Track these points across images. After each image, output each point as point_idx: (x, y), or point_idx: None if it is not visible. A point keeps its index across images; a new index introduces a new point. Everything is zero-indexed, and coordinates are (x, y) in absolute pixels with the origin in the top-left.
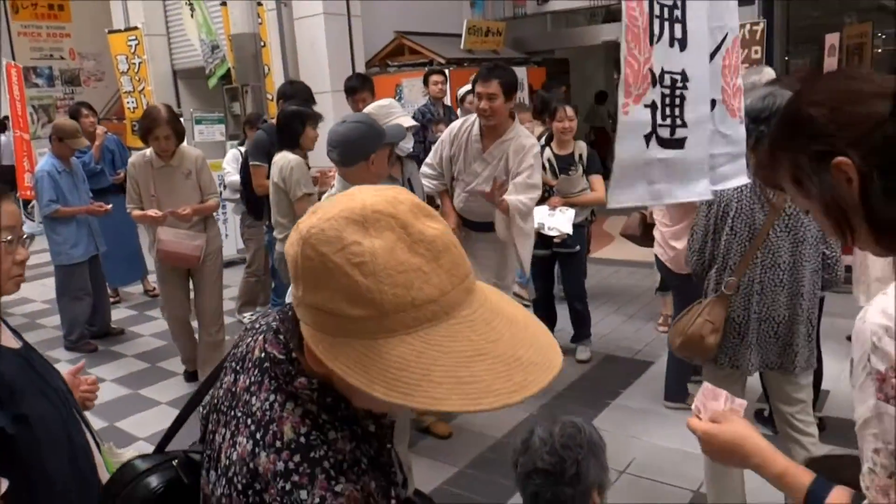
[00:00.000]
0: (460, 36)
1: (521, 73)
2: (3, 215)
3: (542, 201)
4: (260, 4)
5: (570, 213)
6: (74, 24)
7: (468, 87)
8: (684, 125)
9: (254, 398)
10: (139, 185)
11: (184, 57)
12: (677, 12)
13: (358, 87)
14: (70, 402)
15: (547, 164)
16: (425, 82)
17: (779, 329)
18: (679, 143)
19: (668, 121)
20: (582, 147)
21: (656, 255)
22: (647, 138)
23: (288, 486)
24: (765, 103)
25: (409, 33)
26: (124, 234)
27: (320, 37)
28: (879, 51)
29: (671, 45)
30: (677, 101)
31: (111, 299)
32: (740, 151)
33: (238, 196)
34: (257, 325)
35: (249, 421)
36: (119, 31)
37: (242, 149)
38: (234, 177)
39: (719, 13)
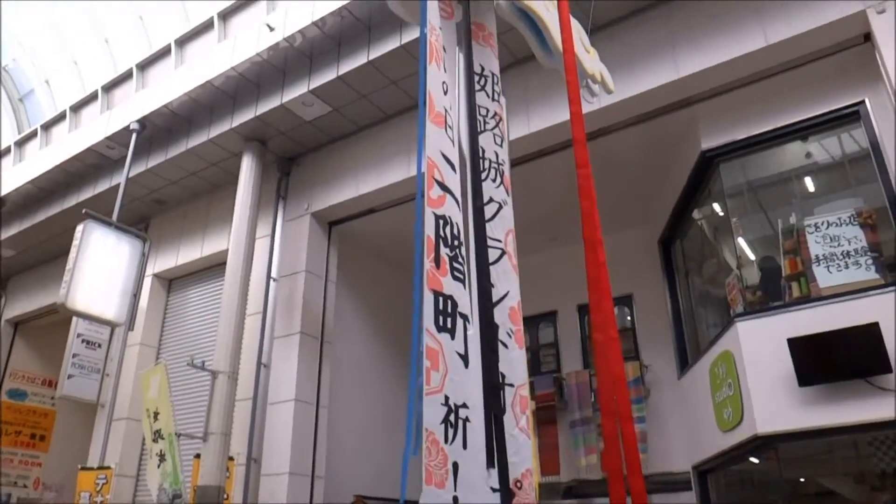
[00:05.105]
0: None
1: None
2: None
3: None
4: (231, 459)
5: None
6: (49, 455)
7: None
8: None
9: None
10: None
11: (146, 499)
12: None
13: None
14: None
15: None
16: None
17: None
18: None
19: None
20: None
21: None
22: None
23: None
24: None
25: (368, 497)
26: None
27: (282, 495)
28: None
29: None
30: None
31: None
32: None
33: None
34: None
35: None
36: (91, 468)
37: None
38: None
39: None
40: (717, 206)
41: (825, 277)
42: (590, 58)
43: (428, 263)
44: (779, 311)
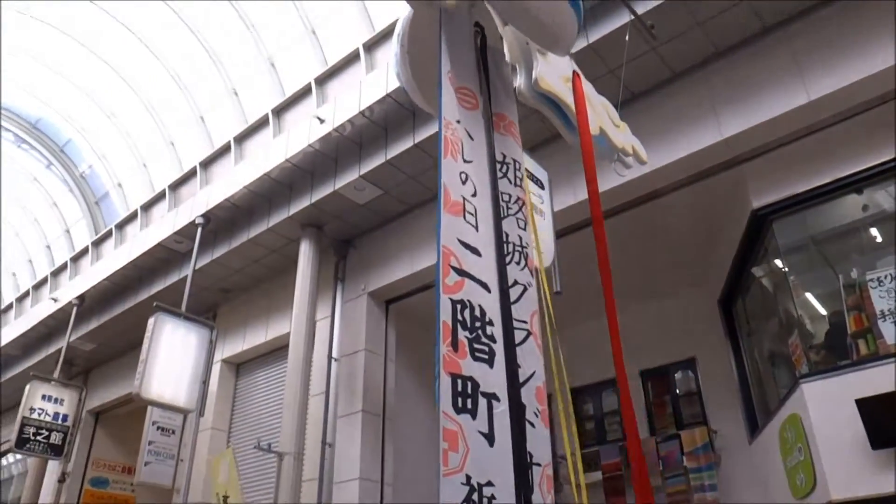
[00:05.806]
0: None
1: None
2: None
3: None
4: None
5: None
6: None
7: None
8: None
9: None
10: None
11: None
12: None
13: None
14: None
15: None
16: None
17: None
18: None
19: None
20: None
21: None
22: None
23: None
24: None
25: None
26: None
27: None
28: None
29: None
30: None
31: None
32: None
33: None
34: None
35: None
36: None
37: None
38: None
39: None
40: (774, 264)
41: (893, 333)
42: (620, 132)
43: (444, 348)
44: (846, 371)
